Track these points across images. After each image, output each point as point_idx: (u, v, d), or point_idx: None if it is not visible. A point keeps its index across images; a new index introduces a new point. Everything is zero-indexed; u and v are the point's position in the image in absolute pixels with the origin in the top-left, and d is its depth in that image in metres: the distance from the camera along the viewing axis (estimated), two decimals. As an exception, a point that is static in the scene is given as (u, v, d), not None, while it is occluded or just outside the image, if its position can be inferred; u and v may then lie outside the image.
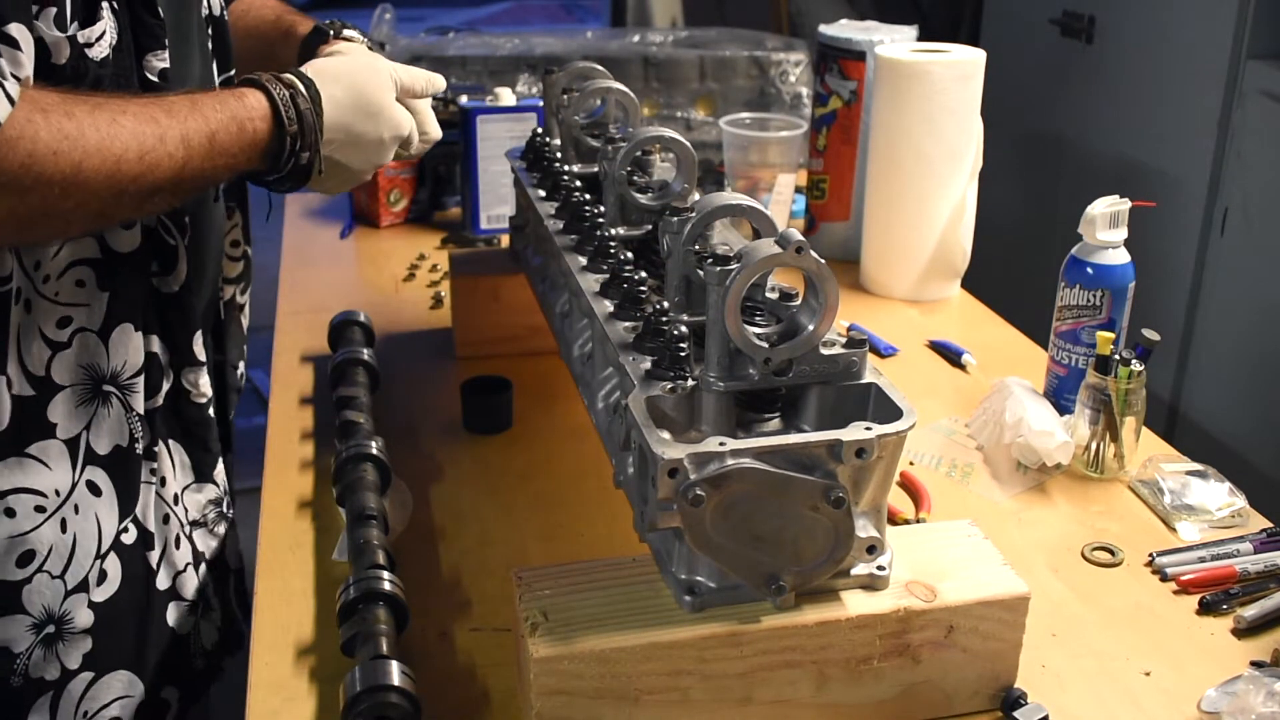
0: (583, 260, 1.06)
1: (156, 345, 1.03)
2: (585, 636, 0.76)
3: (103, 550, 1.02)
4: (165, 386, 1.06)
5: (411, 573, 0.99)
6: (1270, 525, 1.09)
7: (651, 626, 0.77)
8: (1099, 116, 2.60)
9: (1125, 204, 1.20)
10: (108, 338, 1.00)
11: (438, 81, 1.14)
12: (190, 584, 1.11)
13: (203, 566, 1.13)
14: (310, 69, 1.02)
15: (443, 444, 1.23)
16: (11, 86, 0.79)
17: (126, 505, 1.03)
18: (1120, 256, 1.21)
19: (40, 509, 0.98)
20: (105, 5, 0.90)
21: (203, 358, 1.09)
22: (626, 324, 0.92)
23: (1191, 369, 2.36)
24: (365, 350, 1.30)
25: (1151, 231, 2.18)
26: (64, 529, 0.99)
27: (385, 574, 0.92)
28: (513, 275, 1.37)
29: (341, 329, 1.37)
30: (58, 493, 0.99)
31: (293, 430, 1.24)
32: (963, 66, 1.50)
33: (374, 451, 1.09)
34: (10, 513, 0.96)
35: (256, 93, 0.97)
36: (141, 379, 1.02)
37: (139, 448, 1.03)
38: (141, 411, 1.03)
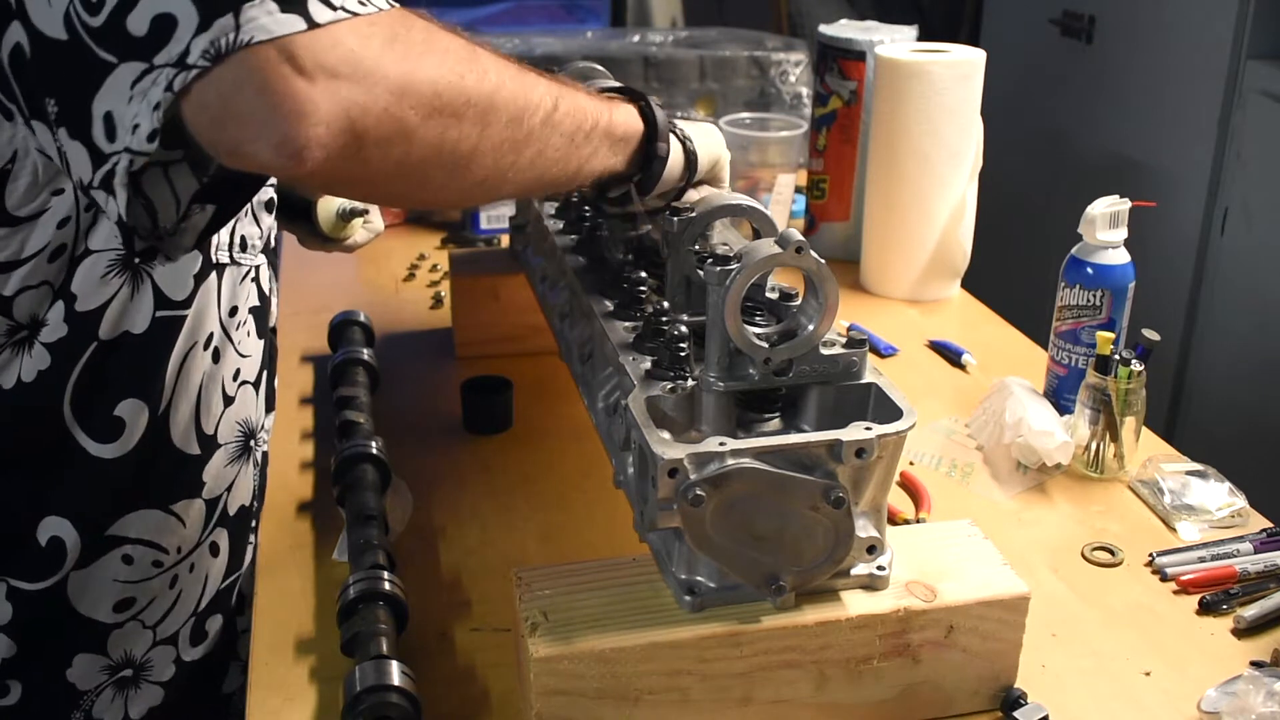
0: (582, 260, 1.06)
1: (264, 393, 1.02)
2: (585, 636, 0.76)
3: (200, 609, 0.99)
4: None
5: (411, 573, 0.99)
6: (1270, 525, 1.09)
7: (651, 626, 0.77)
8: (1099, 116, 2.60)
9: (1125, 204, 1.20)
10: (259, 390, 0.97)
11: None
12: (248, 644, 1.07)
13: None
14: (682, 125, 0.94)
15: (443, 444, 1.22)
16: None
17: (233, 566, 1.01)
18: (1120, 256, 1.21)
19: (158, 564, 0.94)
20: None
21: (275, 404, 1.08)
22: (626, 324, 0.92)
23: (1191, 369, 2.36)
24: (365, 350, 1.30)
25: (1151, 231, 2.18)
26: (172, 585, 0.95)
27: (385, 574, 0.92)
28: (513, 275, 1.36)
29: (341, 329, 1.37)
30: (179, 550, 0.94)
31: (293, 430, 1.24)
32: (963, 66, 1.50)
33: (374, 451, 1.09)
34: (128, 560, 0.91)
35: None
36: (267, 432, 1.00)
37: (256, 506, 1.01)
38: (261, 465, 1.01)
